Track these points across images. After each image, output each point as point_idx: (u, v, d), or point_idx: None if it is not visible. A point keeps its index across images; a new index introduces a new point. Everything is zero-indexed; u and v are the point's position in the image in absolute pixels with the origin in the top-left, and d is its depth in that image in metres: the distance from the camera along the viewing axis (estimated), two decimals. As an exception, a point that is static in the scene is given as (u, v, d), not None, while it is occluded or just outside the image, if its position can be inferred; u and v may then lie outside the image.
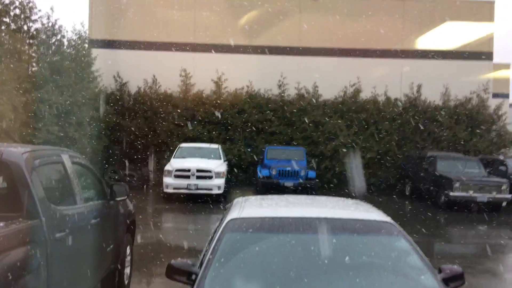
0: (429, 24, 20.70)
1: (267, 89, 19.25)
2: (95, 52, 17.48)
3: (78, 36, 16.50)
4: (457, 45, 20.55)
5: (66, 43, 15.64)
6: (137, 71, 18.79)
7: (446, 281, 2.80)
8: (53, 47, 14.91)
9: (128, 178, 16.11)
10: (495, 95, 22.78)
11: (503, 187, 13.49)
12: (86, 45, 17.06)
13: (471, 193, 13.35)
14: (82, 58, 16.15)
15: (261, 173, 15.04)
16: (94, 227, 4.23)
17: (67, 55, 15.32)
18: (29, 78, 13.43)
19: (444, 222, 12.02)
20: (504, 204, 14.07)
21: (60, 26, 15.11)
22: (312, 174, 15.14)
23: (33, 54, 14.74)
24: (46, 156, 3.73)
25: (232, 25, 20.01)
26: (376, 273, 2.78)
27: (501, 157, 17.18)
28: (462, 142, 18.89)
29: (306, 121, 18.65)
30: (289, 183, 14.47)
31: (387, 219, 3.28)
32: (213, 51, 19.73)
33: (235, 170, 17.60)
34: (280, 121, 18.75)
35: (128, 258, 5.61)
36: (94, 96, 16.47)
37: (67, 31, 16.24)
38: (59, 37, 15.12)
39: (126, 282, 5.46)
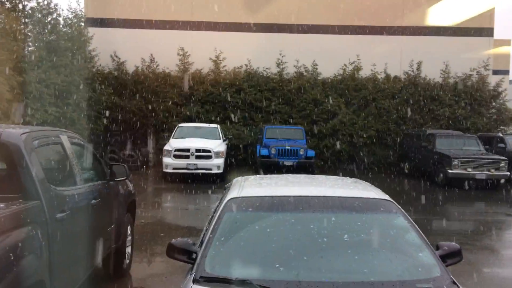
0: (429, 0, 20.44)
1: (265, 68, 19.12)
2: (92, 31, 17.29)
3: (74, 14, 16.28)
4: (457, 21, 20.33)
5: (62, 22, 15.44)
6: (135, 50, 18.61)
7: (443, 257, 2.83)
8: (49, 26, 14.72)
9: (127, 159, 16.14)
10: (495, 72, 22.68)
11: (502, 164, 13.54)
12: (82, 24, 16.85)
13: (469, 170, 13.41)
14: (79, 38, 15.96)
15: (260, 152, 15.05)
16: (94, 208, 4.25)
17: (63, 34, 15.13)
18: (25, 58, 13.30)
19: (443, 200, 12.11)
20: (502, 181, 14.15)
21: (56, 5, 14.92)
22: (311, 153, 15.16)
23: (29, 34, 14.56)
24: (45, 137, 3.71)
25: (230, 2, 19.74)
26: (374, 250, 2.81)
27: (500, 135, 17.19)
28: (461, 120, 18.87)
29: (305, 100, 18.59)
30: (288, 162, 14.50)
31: (386, 197, 3.30)
32: (211, 29, 19.53)
33: (234, 149, 17.63)
34: (279, 100, 18.68)
35: (129, 238, 5.65)
36: (92, 75, 16.35)
37: (62, 10, 15.98)
38: (54, 15, 14.93)
39: (127, 261, 5.51)
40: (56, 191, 3.48)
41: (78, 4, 16.88)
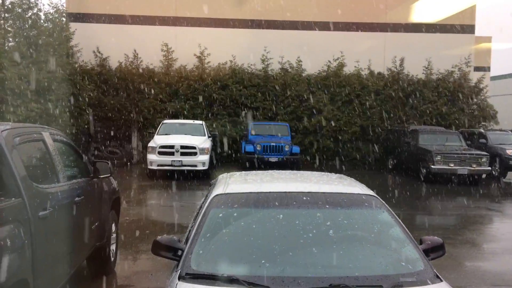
0: (412, -3, 20.65)
1: (250, 64, 19.09)
2: (74, 26, 17.04)
3: (55, 9, 16.03)
4: (439, 18, 20.59)
5: (42, 17, 15.20)
6: (118, 46, 18.40)
7: (427, 251, 2.87)
8: (30, 21, 14.46)
9: (111, 155, 15.98)
10: (477, 69, 23.02)
11: (483, 159, 13.78)
12: (64, 19, 16.59)
13: (452, 166, 13.61)
14: (60, 33, 15.71)
15: (246, 148, 15.06)
16: (78, 205, 4.20)
17: (44, 29, 14.89)
18: (5, 53, 13.05)
19: (426, 195, 12.28)
20: (483, 176, 14.41)
21: (36, 0, 14.64)
22: (296, 149, 15.22)
23: (9, 29, 14.28)
24: (26, 133, 3.65)
25: (214, -2, 19.65)
26: (359, 245, 2.84)
27: (482, 130, 17.49)
28: (444, 116, 19.12)
29: (290, 96, 18.64)
30: (273, 159, 14.54)
31: (370, 192, 3.33)
32: (195, 25, 19.42)
33: (220, 146, 17.58)
34: (264, 96, 18.68)
35: (114, 235, 5.61)
36: (74, 71, 16.12)
37: (43, 5, 15.79)
38: (35, 10, 14.68)
39: (112, 259, 5.47)
40: (39, 189, 3.43)
41: (60, -1, 16.63)
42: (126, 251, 6.40)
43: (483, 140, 16.25)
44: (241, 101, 18.51)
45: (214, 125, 17.68)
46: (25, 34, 14.10)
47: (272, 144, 14.76)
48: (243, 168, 14.58)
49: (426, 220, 9.28)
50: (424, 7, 20.63)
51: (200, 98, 18.27)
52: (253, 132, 15.91)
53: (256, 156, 14.63)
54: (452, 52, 20.06)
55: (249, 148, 14.91)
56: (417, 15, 20.66)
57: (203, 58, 18.99)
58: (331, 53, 19.09)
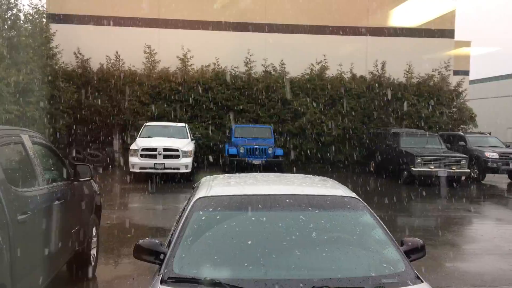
0: (393, 2, 20.94)
1: (234, 67, 19.09)
2: (54, 27, 16.80)
3: (35, 10, 15.76)
4: (420, 23, 20.94)
5: (22, 17, 14.92)
6: (99, 47, 18.21)
7: (408, 253, 2.90)
8: (9, 22, 14.18)
9: (92, 158, 15.77)
10: (456, 72, 23.46)
11: (462, 162, 14.03)
12: (44, 20, 16.34)
13: (432, 168, 13.82)
14: (40, 34, 15.46)
15: (229, 151, 15.03)
16: (58, 209, 4.13)
17: (24, 30, 14.62)
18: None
19: (407, 196, 12.43)
20: (463, 178, 14.67)
21: (16, 0, 14.37)
22: (279, 151, 15.26)
23: (-13, 30, 13.99)
24: (4, 136, 3.58)
25: (197, 0, 19.61)
26: (341, 247, 2.85)
27: (461, 133, 17.81)
28: (424, 119, 19.42)
29: (273, 99, 18.69)
30: (256, 161, 14.55)
31: (353, 194, 3.35)
32: (178, 27, 19.35)
33: (203, 148, 17.52)
34: (248, 99, 18.69)
35: (94, 239, 5.53)
36: (54, 73, 15.88)
37: (23, 5, 15.51)
38: (15, 11, 14.40)
39: (92, 263, 5.39)
40: (17, 192, 3.36)
41: (40, 0, 16.37)
42: (107, 255, 6.31)
43: (462, 143, 16.55)
44: (224, 103, 18.48)
45: (197, 128, 17.62)
46: (4, 35, 13.83)
47: (255, 146, 14.78)
48: (226, 170, 14.55)
49: (407, 222, 9.40)
50: (405, 11, 20.95)
51: (183, 101, 18.19)
52: (236, 135, 15.90)
53: (239, 158, 14.62)
54: (432, 56, 20.41)
55: (233, 150, 14.89)
56: (399, 20, 20.97)
57: (186, 60, 18.93)
58: (314, 56, 19.23)
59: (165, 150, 13.10)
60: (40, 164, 4.04)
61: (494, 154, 15.37)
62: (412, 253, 2.95)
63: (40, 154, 4.18)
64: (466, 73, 29.29)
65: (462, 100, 20.72)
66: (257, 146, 14.78)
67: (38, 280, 3.72)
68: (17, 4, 14.42)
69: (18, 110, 12.96)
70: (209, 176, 4.07)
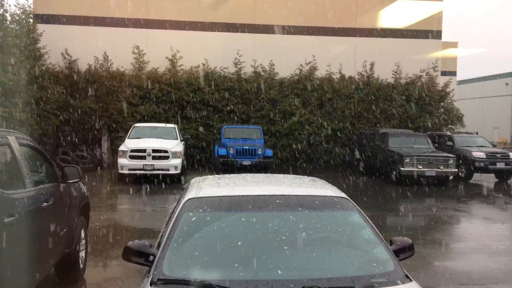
0: (381, 3, 21.09)
1: (223, 67, 19.06)
2: (41, 27, 16.63)
3: (22, 10, 15.58)
4: (408, 24, 21.12)
5: (8, 18, 14.73)
6: (87, 48, 18.07)
7: (397, 252, 2.92)
8: (-5, 22, 14.01)
9: (80, 160, 15.63)
10: (444, 73, 23.71)
11: (450, 161, 14.16)
12: (31, 20, 16.16)
13: (420, 168, 13.94)
14: (27, 34, 15.28)
15: (219, 152, 15.01)
16: (46, 211, 4.09)
17: (10, 30, 14.44)
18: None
19: (396, 196, 12.52)
20: (451, 177, 14.82)
21: (2, 0, 14.20)
22: (269, 152, 15.27)
23: (-27, 30, 13.80)
24: (-10, 138, 3.54)
25: (186, 0, 19.55)
26: (331, 247, 2.87)
27: (448, 133, 17.98)
28: (412, 119, 19.58)
29: (263, 99, 18.70)
30: (246, 162, 14.54)
31: (342, 194, 3.36)
32: (167, 28, 19.27)
33: (192, 149, 17.45)
34: (237, 100, 18.68)
35: (83, 242, 5.48)
36: (42, 74, 15.71)
37: (9, 5, 15.32)
38: (1, 11, 14.21)
39: (81, 266, 5.34)
40: (4, 195, 3.32)
41: (27, 0, 16.19)
42: (96, 258, 6.26)
43: (450, 143, 16.72)
44: (214, 104, 18.45)
45: (186, 129, 17.56)
46: (-11, 35, 13.66)
47: (245, 147, 14.77)
48: (216, 171, 14.52)
49: (396, 221, 9.46)
50: (393, 13, 21.11)
51: (172, 102, 18.12)
52: (226, 136, 15.87)
53: (229, 159, 14.60)
54: (420, 57, 20.60)
55: (222, 151, 14.87)
56: (387, 21, 21.13)
57: (175, 61, 18.86)
58: (303, 57, 19.28)
59: (154, 151, 13.03)
60: (28, 166, 3.99)
61: (482, 153, 15.55)
62: (401, 253, 2.98)
63: (27, 156, 4.14)
64: (453, 73, 29.64)
65: (449, 101, 20.93)
66: (247, 147, 14.77)
67: (25, 283, 3.67)
68: (3, 4, 14.24)
69: (5, 112, 12.80)
70: (198, 177, 4.06)
